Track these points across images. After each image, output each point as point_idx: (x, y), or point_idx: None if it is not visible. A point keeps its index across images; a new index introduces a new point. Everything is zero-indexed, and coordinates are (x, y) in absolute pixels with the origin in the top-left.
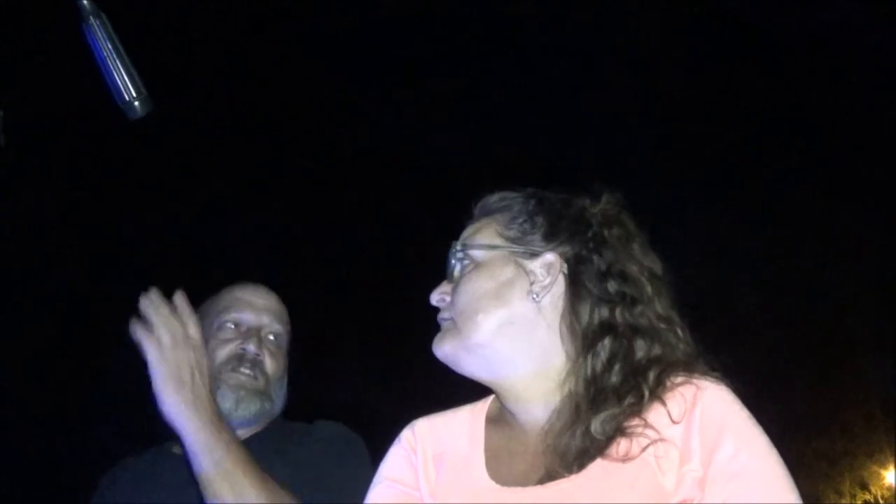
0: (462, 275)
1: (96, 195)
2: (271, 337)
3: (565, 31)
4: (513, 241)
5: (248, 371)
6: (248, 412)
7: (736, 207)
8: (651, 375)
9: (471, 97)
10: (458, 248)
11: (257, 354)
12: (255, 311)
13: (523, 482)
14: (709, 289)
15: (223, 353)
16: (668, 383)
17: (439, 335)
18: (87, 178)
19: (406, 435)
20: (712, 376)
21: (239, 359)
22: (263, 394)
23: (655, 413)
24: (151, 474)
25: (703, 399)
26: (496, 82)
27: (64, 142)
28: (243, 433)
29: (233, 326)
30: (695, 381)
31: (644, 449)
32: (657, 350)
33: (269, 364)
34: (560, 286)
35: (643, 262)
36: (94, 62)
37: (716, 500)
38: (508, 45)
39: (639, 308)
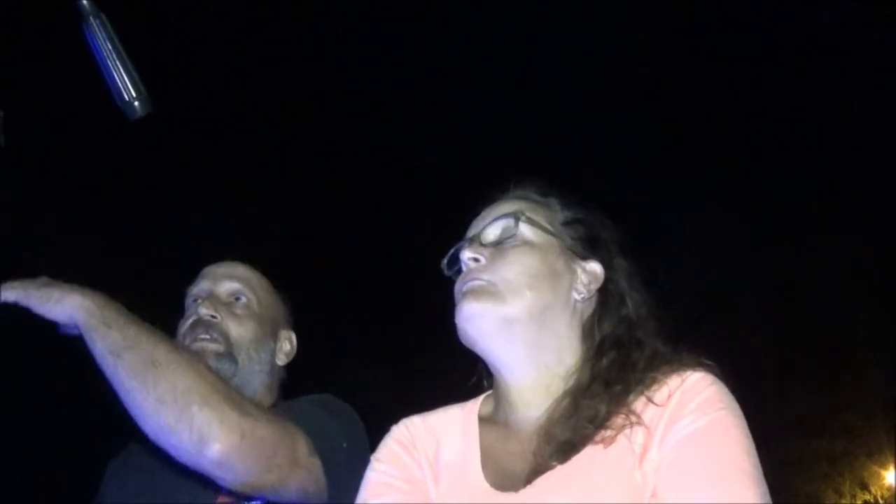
0: (509, 246)
1: (96, 195)
2: (233, 299)
3: (565, 30)
4: (563, 236)
5: (204, 335)
6: None
7: (736, 207)
8: (640, 365)
9: (470, 97)
10: (522, 218)
11: (213, 316)
12: (212, 279)
13: (516, 483)
14: (709, 289)
15: (182, 329)
16: (657, 374)
17: (474, 293)
18: (87, 178)
19: (400, 430)
20: (701, 366)
21: (193, 326)
22: (222, 355)
23: (641, 403)
24: (153, 470)
25: (683, 386)
26: (496, 82)
27: (64, 142)
28: None
29: (192, 301)
30: (682, 371)
31: (621, 430)
32: (649, 353)
33: (232, 326)
34: (595, 296)
35: (642, 292)
36: (94, 62)
37: (661, 469)
38: (508, 44)
39: (639, 332)
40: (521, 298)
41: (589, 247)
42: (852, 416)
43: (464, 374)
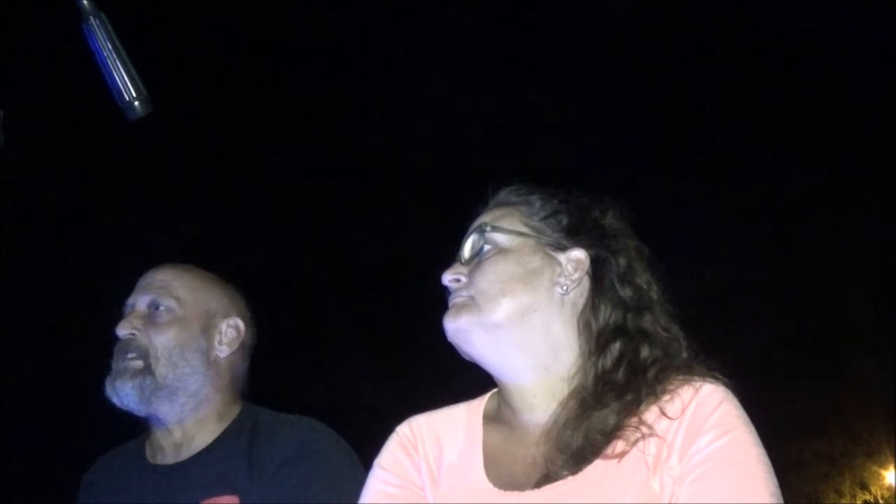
0: (485, 257)
1: (96, 195)
2: (153, 308)
3: (566, 32)
4: (540, 232)
5: (126, 355)
6: (127, 395)
7: (735, 207)
8: (651, 374)
9: (471, 98)
10: (487, 229)
11: (131, 334)
12: (134, 295)
13: (521, 485)
14: (709, 289)
15: None
16: (668, 385)
17: (454, 308)
18: (88, 178)
19: (404, 431)
20: (711, 377)
21: (117, 350)
22: (139, 371)
23: (653, 414)
24: (125, 485)
25: (697, 398)
26: (497, 84)
27: (64, 142)
28: (195, 428)
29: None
30: (694, 382)
31: (634, 443)
32: (659, 353)
33: (152, 337)
34: (585, 283)
35: (649, 275)
36: (94, 62)
37: (685, 483)
38: (509, 46)
39: (646, 316)
40: (497, 305)
41: (573, 234)
42: (852, 416)
43: (464, 374)
